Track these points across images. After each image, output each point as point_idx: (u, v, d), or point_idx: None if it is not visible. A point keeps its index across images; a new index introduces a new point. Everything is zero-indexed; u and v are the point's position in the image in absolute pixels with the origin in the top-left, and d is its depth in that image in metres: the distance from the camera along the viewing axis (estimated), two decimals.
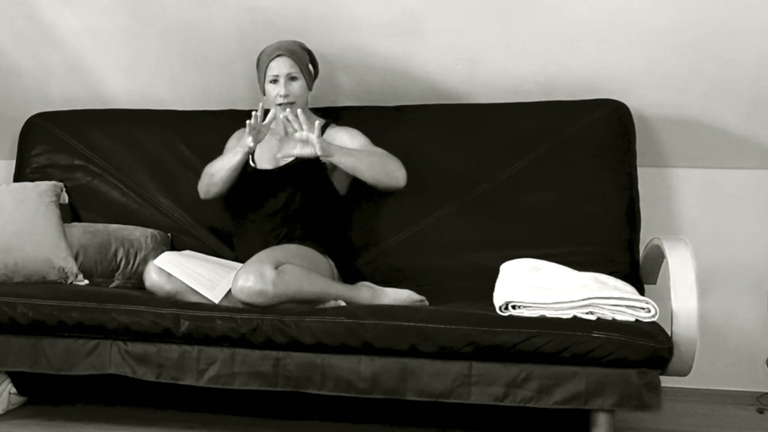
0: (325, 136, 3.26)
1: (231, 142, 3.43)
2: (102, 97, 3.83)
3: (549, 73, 3.44)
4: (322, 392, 2.71)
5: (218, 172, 3.26)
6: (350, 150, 3.17)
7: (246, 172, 3.35)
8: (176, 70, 3.69)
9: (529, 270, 2.82)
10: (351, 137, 3.28)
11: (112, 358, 2.81)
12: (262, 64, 3.32)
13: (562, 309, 2.63)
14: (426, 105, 3.54)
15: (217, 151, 3.49)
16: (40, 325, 2.82)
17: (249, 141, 3.14)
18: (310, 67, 3.34)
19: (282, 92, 3.25)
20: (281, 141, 3.20)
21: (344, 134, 3.30)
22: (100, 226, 3.41)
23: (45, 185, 3.41)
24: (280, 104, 3.27)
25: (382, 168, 3.18)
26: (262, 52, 3.33)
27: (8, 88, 3.88)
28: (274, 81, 3.27)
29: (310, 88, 3.35)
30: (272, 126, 3.38)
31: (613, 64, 3.36)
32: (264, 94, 3.35)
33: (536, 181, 3.31)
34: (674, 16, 3.18)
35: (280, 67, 3.26)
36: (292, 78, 3.27)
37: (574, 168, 3.31)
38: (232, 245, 3.36)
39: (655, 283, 3.17)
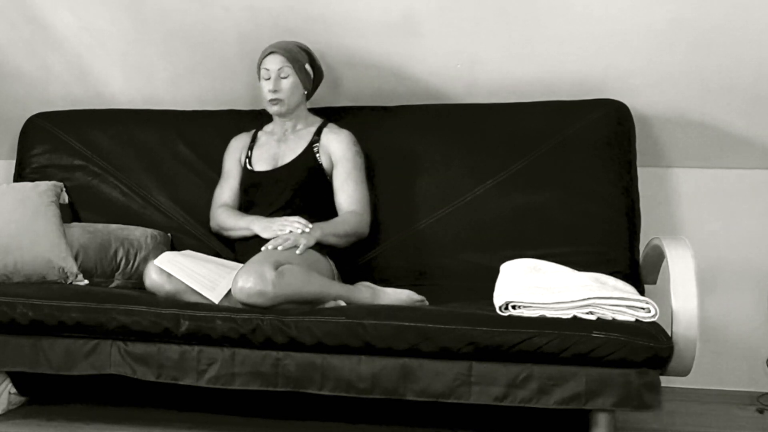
0: (322, 136, 3.33)
1: (229, 155, 3.44)
2: (102, 97, 3.83)
3: (549, 73, 3.44)
4: (322, 392, 2.71)
5: (230, 231, 3.31)
6: (332, 231, 3.17)
7: (246, 172, 3.37)
8: (176, 70, 3.69)
9: (529, 270, 2.82)
10: (341, 148, 3.30)
11: (112, 358, 2.81)
12: (258, 63, 3.33)
13: (562, 309, 2.63)
14: (426, 105, 3.54)
15: (217, 151, 3.50)
16: (40, 325, 2.82)
17: (259, 231, 3.18)
18: (308, 67, 3.33)
19: (271, 87, 3.27)
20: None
21: (336, 141, 3.31)
22: (100, 226, 3.41)
23: (45, 185, 3.41)
24: (269, 100, 3.28)
25: (354, 236, 3.24)
26: (263, 51, 3.35)
27: (8, 88, 3.88)
28: (266, 78, 3.29)
29: (306, 89, 3.34)
30: (269, 129, 3.41)
31: (614, 63, 3.36)
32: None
33: (536, 181, 3.31)
34: (675, 16, 3.18)
35: (271, 63, 3.27)
36: (283, 75, 3.27)
37: (574, 168, 3.30)
38: (232, 246, 3.36)
39: (655, 283, 3.17)
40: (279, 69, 3.27)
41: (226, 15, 3.46)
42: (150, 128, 3.68)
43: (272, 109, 3.31)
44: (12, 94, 3.90)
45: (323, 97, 3.59)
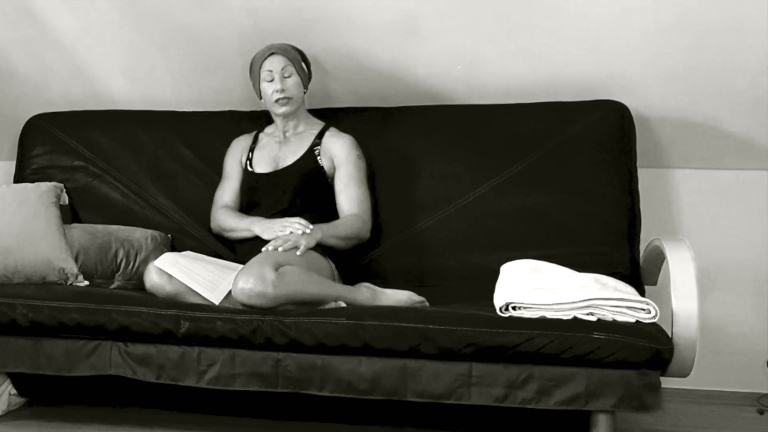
0: (323, 139, 3.33)
1: (230, 156, 3.44)
2: (102, 98, 3.83)
3: (549, 74, 3.44)
4: (323, 393, 2.71)
5: (230, 232, 3.32)
6: (332, 233, 3.17)
7: (246, 173, 3.37)
8: (176, 71, 3.69)
9: (529, 271, 2.82)
10: (343, 152, 3.31)
11: (113, 359, 2.81)
12: (255, 66, 3.33)
13: (563, 310, 2.63)
14: (426, 106, 3.54)
15: (218, 152, 3.50)
16: (41, 327, 2.82)
17: (260, 232, 3.18)
18: (304, 65, 3.34)
19: (278, 87, 3.27)
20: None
21: (338, 145, 3.32)
22: (100, 227, 3.41)
23: (45, 186, 3.41)
24: (277, 101, 3.28)
25: (355, 238, 3.24)
26: (254, 57, 3.35)
27: (8, 89, 3.88)
28: (269, 79, 3.29)
29: (305, 87, 3.35)
30: (270, 131, 3.41)
31: (614, 64, 3.36)
32: (260, 98, 3.36)
33: (536, 182, 3.31)
34: (675, 17, 3.18)
35: (274, 64, 3.28)
36: (286, 74, 3.28)
37: (574, 169, 3.30)
38: (232, 247, 3.36)
39: (655, 284, 3.17)
40: (282, 69, 3.27)
41: (227, 16, 3.46)
42: (150, 129, 3.68)
43: (281, 110, 3.31)
44: (12, 95, 3.90)
45: (323, 98, 3.59)
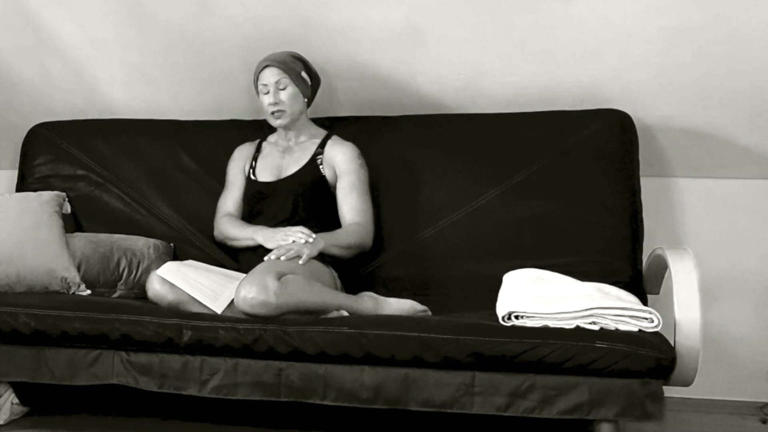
0: (326, 148, 3.34)
1: (233, 165, 3.44)
2: (104, 106, 3.83)
3: (552, 83, 3.44)
4: (325, 402, 2.70)
5: (233, 241, 3.32)
6: (335, 242, 3.16)
7: (249, 182, 3.37)
8: (179, 79, 3.70)
9: (532, 280, 2.82)
10: (345, 160, 3.31)
11: (115, 368, 2.81)
12: (254, 77, 3.34)
13: (565, 319, 2.63)
14: (428, 115, 3.54)
15: (220, 161, 3.50)
16: (43, 336, 2.82)
17: (263, 241, 3.18)
18: (304, 75, 3.34)
19: (271, 101, 3.28)
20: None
21: (340, 154, 3.32)
22: (103, 236, 3.41)
23: (47, 195, 3.41)
24: (272, 113, 3.29)
25: (358, 247, 3.24)
26: (257, 66, 3.35)
27: (11, 98, 3.88)
28: (265, 92, 3.30)
29: (306, 97, 3.35)
30: (273, 140, 3.41)
31: (617, 73, 3.36)
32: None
33: (539, 191, 3.31)
34: (678, 26, 3.18)
35: (268, 77, 3.28)
36: (281, 87, 3.28)
37: (577, 178, 3.30)
38: (234, 255, 3.36)
39: (658, 293, 3.17)
40: (276, 81, 3.28)
41: (229, 25, 3.47)
42: (152, 138, 3.68)
43: (276, 122, 3.32)
44: (14, 104, 3.90)
45: (325, 107, 3.60)
